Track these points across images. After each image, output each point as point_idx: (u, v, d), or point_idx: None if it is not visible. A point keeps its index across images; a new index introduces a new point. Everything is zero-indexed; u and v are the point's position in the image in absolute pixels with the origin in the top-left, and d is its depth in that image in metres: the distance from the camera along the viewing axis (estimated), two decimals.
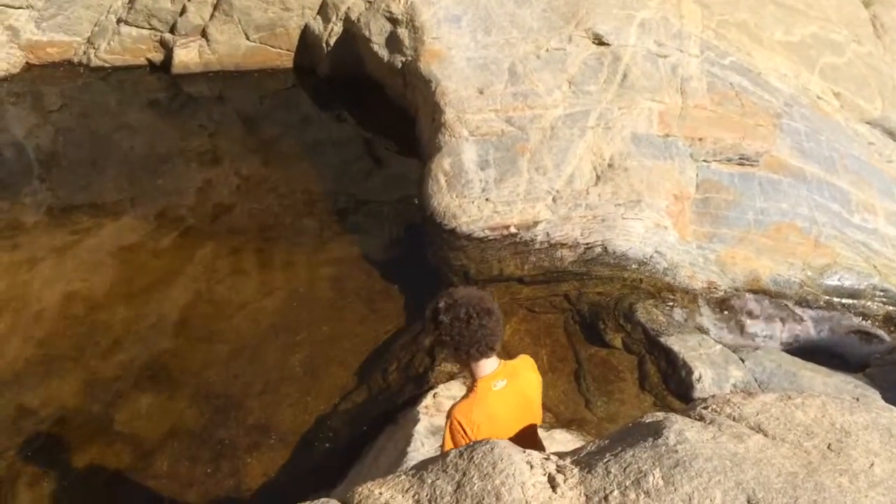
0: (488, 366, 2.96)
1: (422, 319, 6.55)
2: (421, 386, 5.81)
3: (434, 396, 5.54)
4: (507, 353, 6.08)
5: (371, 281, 7.10)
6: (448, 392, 5.62)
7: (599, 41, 8.06)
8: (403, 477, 2.74)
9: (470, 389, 3.00)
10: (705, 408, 2.81)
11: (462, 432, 2.91)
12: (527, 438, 3.08)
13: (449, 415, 2.95)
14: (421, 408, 5.39)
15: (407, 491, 2.66)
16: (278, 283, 7.23)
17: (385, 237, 7.58)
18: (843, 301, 7.06)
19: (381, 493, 2.68)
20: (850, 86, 8.97)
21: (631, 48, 8.04)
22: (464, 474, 2.61)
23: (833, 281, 7.09)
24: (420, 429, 5.12)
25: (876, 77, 9.23)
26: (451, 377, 5.84)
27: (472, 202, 6.94)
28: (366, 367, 6.27)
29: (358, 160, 8.71)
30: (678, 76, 7.96)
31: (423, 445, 4.97)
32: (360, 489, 2.73)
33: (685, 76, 7.97)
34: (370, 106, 9.11)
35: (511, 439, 2.95)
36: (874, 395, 5.19)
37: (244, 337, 6.67)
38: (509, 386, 2.98)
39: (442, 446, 3.02)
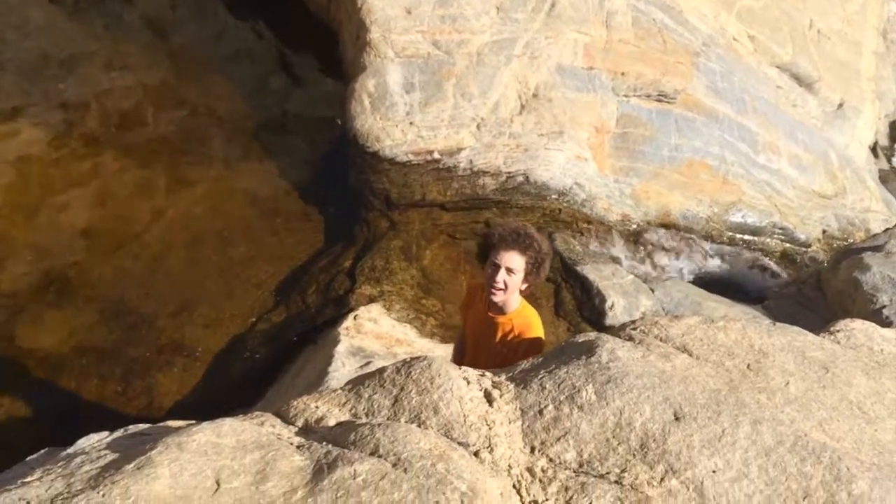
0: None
1: (342, 241, 6.51)
2: (341, 308, 5.78)
3: (355, 318, 5.53)
4: (428, 279, 6.15)
5: (289, 200, 6.94)
6: (369, 314, 5.63)
7: None
8: (340, 391, 2.74)
9: (518, 318, 3.11)
10: (634, 329, 2.91)
11: None
12: None
13: (535, 339, 3.09)
14: (342, 329, 5.38)
15: (344, 405, 2.67)
16: (191, 200, 6.97)
17: (304, 157, 7.38)
18: (745, 237, 7.43)
19: (317, 407, 2.67)
20: (764, 30, 9.22)
21: None
22: (402, 389, 2.63)
23: (737, 218, 7.43)
24: (341, 349, 5.12)
25: (788, 22, 9.52)
26: (371, 300, 5.84)
27: (396, 125, 6.84)
28: (284, 287, 6.18)
29: (276, 76, 8.38)
30: (604, 9, 7.98)
31: (343, 366, 4.98)
32: (295, 403, 2.72)
33: (611, 10, 7.99)
34: (290, 20, 8.73)
35: None
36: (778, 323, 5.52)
37: (155, 254, 6.44)
38: None
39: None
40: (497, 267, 2.98)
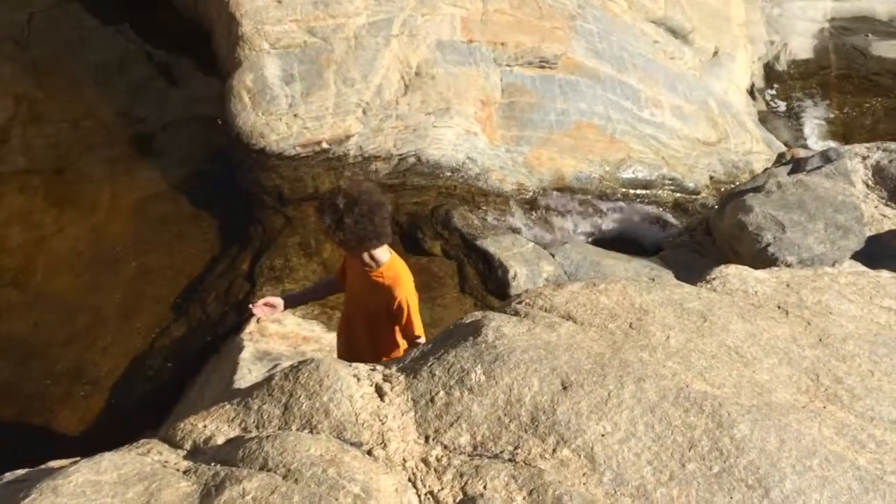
0: (386, 248, 3.29)
1: (237, 244, 6.35)
2: (242, 313, 5.64)
3: (258, 321, 5.41)
4: (330, 272, 6.05)
5: (179, 209, 6.71)
6: (272, 316, 5.51)
7: None
8: (228, 406, 2.66)
9: (389, 271, 3.28)
10: (519, 303, 2.93)
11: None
12: None
13: (400, 302, 3.27)
14: (245, 335, 5.26)
15: (233, 420, 2.60)
16: (75, 220, 6.66)
17: (189, 161, 7.14)
18: (638, 192, 7.61)
19: (205, 426, 2.59)
20: None
21: None
22: (290, 395, 2.58)
23: (628, 174, 7.59)
24: (246, 356, 5.01)
25: None
26: None
27: (280, 119, 6.69)
28: (182, 299, 5.99)
29: (150, 80, 8.04)
30: None
31: (250, 372, 4.87)
32: (181, 425, 2.62)
33: None
34: (157, 21, 8.39)
35: None
36: (668, 275, 5.68)
37: (41, 281, 6.14)
38: None
39: (415, 328, 3.36)
40: None
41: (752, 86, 10.26)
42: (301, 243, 6.19)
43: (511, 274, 5.92)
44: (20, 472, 2.54)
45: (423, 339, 3.38)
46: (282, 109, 6.75)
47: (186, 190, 6.87)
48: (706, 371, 2.57)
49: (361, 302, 3.48)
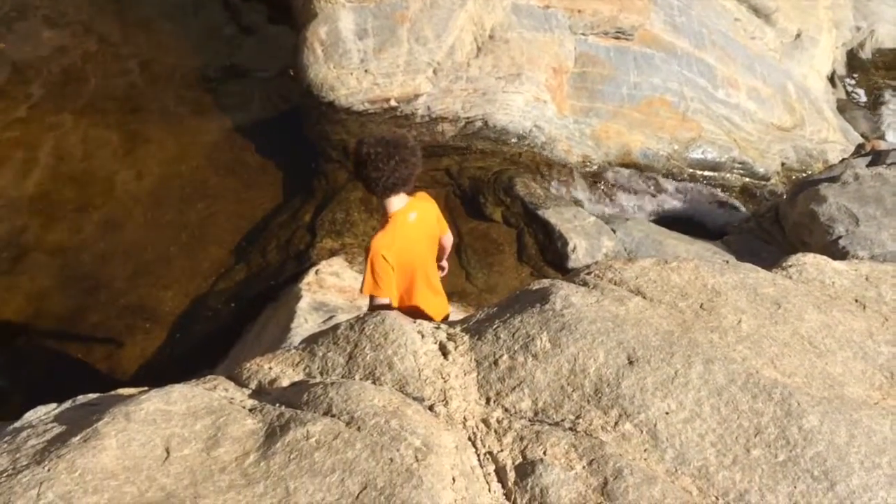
0: (398, 202, 3.12)
1: (301, 195, 6.42)
2: (302, 263, 5.73)
3: (316, 273, 5.48)
4: None
5: (245, 156, 6.80)
6: (330, 268, 5.58)
7: None
8: (293, 351, 2.71)
9: (385, 222, 3.16)
10: (588, 273, 2.90)
11: (383, 259, 3.06)
12: (430, 259, 3.39)
13: (368, 247, 3.11)
14: (303, 284, 5.33)
15: (297, 364, 2.64)
16: (145, 159, 6.81)
17: (259, 110, 7.22)
18: (706, 173, 7.44)
19: (270, 368, 2.64)
20: None
21: None
22: (355, 346, 2.61)
23: (697, 154, 7.42)
24: (303, 305, 5.08)
25: None
26: (332, 253, 5.78)
27: (351, 73, 6.68)
28: (244, 245, 6.10)
29: (225, 26, 8.14)
30: None
31: (306, 321, 4.94)
32: (248, 365, 2.68)
33: None
34: None
35: (418, 262, 3.26)
36: (732, 260, 5.55)
37: (110, 216, 6.31)
38: (419, 217, 3.22)
39: (364, 279, 3.14)
40: None
41: (833, 72, 9.90)
42: (363, 199, 6.21)
43: (571, 246, 5.87)
44: (92, 395, 2.62)
45: (383, 301, 3.14)
46: (353, 64, 6.74)
47: (253, 137, 6.96)
48: (777, 358, 2.52)
49: None
